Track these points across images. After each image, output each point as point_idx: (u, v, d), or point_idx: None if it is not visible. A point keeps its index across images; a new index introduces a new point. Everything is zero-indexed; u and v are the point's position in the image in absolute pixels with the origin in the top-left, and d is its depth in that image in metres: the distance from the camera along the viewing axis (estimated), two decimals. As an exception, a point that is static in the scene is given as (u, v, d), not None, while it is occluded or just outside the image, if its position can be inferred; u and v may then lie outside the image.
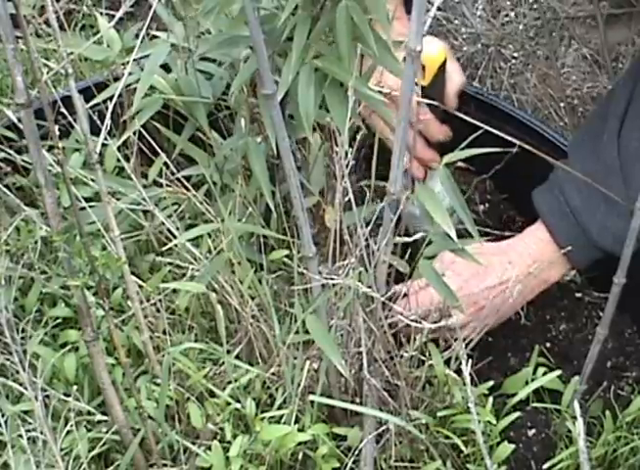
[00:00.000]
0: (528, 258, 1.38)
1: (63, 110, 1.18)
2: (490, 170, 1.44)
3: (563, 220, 1.37)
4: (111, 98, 1.14)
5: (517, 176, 1.47)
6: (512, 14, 2.20)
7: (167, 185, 1.37)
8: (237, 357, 1.27)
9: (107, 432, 1.21)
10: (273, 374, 1.25)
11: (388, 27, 1.06)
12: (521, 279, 1.35)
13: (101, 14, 1.88)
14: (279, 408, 1.23)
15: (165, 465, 1.23)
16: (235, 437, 1.20)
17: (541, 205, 1.39)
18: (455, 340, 1.24)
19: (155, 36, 1.37)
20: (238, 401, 1.22)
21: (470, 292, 1.34)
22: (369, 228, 1.15)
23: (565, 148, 1.50)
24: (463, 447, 1.25)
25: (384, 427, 1.22)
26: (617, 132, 1.34)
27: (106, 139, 1.07)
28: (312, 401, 1.23)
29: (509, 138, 1.18)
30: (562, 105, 1.98)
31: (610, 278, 1.16)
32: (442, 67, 1.38)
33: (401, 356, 1.23)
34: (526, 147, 1.19)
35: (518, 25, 2.17)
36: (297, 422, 1.22)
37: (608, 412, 1.33)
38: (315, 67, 1.12)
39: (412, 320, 1.20)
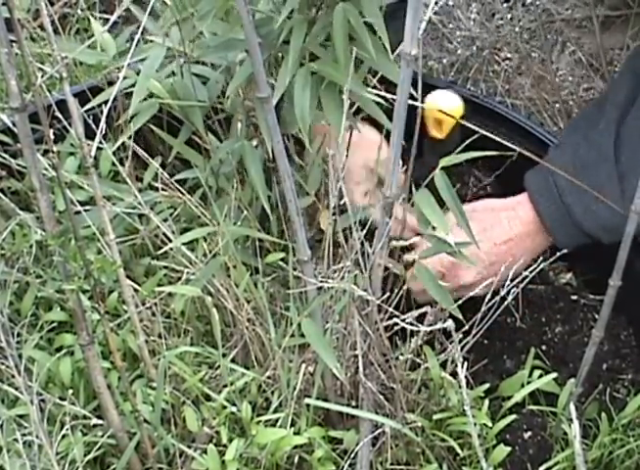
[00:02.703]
0: (535, 215, 1.39)
1: (57, 114, 1.17)
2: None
3: (549, 200, 1.37)
4: (105, 102, 1.14)
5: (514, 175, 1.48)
6: (508, 16, 2.20)
7: (163, 189, 1.37)
8: (233, 361, 1.27)
9: (102, 436, 1.21)
10: (269, 377, 1.25)
11: (383, 31, 1.06)
12: (527, 235, 1.36)
13: (95, 18, 1.88)
14: (275, 412, 1.23)
15: (161, 469, 1.23)
16: (231, 440, 1.20)
17: (530, 183, 1.39)
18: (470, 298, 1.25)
19: (150, 40, 1.37)
20: (234, 405, 1.22)
21: (479, 249, 1.33)
22: (364, 231, 1.15)
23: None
24: (459, 450, 1.25)
25: (379, 430, 1.22)
26: (615, 120, 1.34)
27: (101, 143, 1.07)
28: (308, 405, 1.23)
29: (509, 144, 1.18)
30: (557, 107, 1.98)
31: (605, 281, 1.16)
32: (460, 120, 1.41)
33: (397, 359, 1.23)
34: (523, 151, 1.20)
35: (513, 29, 2.17)
36: (292, 425, 1.22)
37: (604, 415, 1.33)
38: (311, 70, 1.12)
39: (408, 323, 1.20)
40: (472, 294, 1.34)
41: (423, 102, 1.35)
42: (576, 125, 1.45)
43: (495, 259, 1.36)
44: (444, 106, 1.38)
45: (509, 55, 2.11)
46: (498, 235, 1.37)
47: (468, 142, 1.22)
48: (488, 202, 1.42)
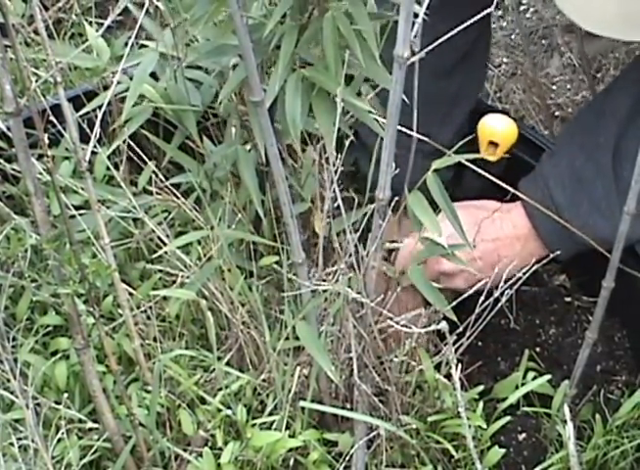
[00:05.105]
0: (529, 222, 1.39)
1: (52, 118, 1.18)
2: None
3: (544, 213, 1.36)
4: (100, 106, 1.14)
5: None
6: (503, 23, 2.20)
7: (157, 193, 1.37)
8: (227, 364, 1.27)
9: (98, 439, 1.22)
10: (264, 380, 1.26)
11: (372, 38, 1.07)
12: (517, 239, 1.36)
13: (90, 23, 1.88)
14: (270, 415, 1.23)
15: (157, 472, 1.24)
16: (226, 443, 1.20)
17: (524, 194, 1.36)
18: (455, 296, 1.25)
19: (144, 45, 1.38)
20: (229, 408, 1.22)
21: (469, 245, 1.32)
22: (358, 234, 1.16)
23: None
24: (454, 452, 1.25)
25: (374, 432, 1.22)
26: (614, 135, 1.33)
27: (95, 147, 1.08)
28: (303, 407, 1.23)
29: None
30: (548, 110, 1.98)
31: (599, 282, 1.16)
32: (514, 146, 1.43)
33: (391, 361, 1.23)
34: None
35: (507, 33, 2.18)
36: (287, 428, 1.22)
37: (598, 416, 1.33)
38: (302, 75, 1.12)
39: (402, 325, 1.20)
40: (452, 287, 1.34)
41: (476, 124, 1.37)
42: (571, 133, 1.43)
43: (480, 255, 1.35)
44: (501, 129, 1.40)
45: (504, 60, 2.11)
46: (487, 232, 1.37)
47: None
48: (485, 201, 1.41)
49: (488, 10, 0.97)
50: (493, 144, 1.41)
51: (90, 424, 1.23)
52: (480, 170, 1.18)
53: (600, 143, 1.34)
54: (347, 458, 1.21)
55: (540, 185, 1.37)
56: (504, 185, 1.21)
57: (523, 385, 1.34)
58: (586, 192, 1.33)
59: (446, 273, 1.36)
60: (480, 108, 1.59)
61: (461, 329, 1.24)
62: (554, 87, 2.06)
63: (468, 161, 1.17)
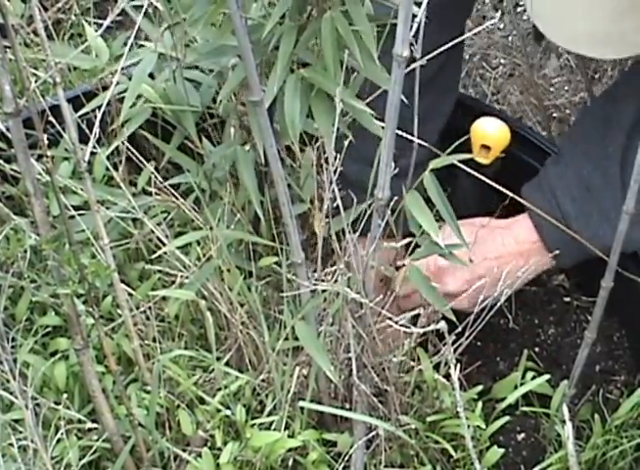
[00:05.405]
0: (533, 236, 1.38)
1: (51, 119, 1.18)
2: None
3: (553, 224, 1.35)
4: (99, 107, 1.15)
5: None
6: (500, 25, 2.20)
7: (156, 193, 1.37)
8: (227, 364, 1.27)
9: (97, 440, 1.22)
10: (263, 381, 1.26)
11: (371, 38, 1.07)
12: (520, 254, 1.36)
13: (90, 23, 1.88)
14: (269, 415, 1.23)
15: (156, 472, 1.24)
16: (225, 443, 1.20)
17: (530, 203, 1.35)
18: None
19: (143, 45, 1.38)
20: (228, 408, 1.22)
21: (469, 258, 1.31)
22: (357, 234, 1.16)
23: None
24: (452, 452, 1.25)
25: (373, 432, 1.22)
26: (621, 145, 1.33)
27: (94, 148, 1.08)
28: (302, 408, 1.24)
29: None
30: (546, 112, 1.98)
31: (598, 282, 1.16)
32: (507, 148, 1.43)
33: (390, 361, 1.23)
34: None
35: (504, 35, 2.18)
36: (287, 428, 1.22)
37: (597, 416, 1.34)
38: (301, 76, 1.12)
39: (401, 325, 1.21)
40: (457, 307, 1.33)
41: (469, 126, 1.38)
42: (575, 140, 1.42)
43: (483, 273, 1.35)
44: (493, 133, 1.40)
45: (502, 61, 2.12)
46: (490, 249, 1.36)
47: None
48: (485, 218, 1.41)
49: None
50: (485, 147, 1.42)
51: (89, 424, 1.23)
52: (473, 172, 1.18)
53: (608, 153, 1.33)
54: (346, 458, 1.21)
55: (547, 195, 1.36)
56: (504, 190, 1.20)
57: (522, 385, 1.35)
58: (595, 202, 1.32)
59: (450, 294, 1.36)
60: (477, 109, 1.60)
61: (460, 329, 1.24)
62: (551, 88, 2.07)
63: (461, 162, 1.17)
